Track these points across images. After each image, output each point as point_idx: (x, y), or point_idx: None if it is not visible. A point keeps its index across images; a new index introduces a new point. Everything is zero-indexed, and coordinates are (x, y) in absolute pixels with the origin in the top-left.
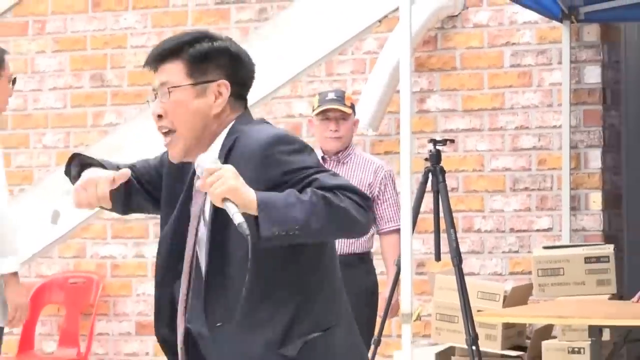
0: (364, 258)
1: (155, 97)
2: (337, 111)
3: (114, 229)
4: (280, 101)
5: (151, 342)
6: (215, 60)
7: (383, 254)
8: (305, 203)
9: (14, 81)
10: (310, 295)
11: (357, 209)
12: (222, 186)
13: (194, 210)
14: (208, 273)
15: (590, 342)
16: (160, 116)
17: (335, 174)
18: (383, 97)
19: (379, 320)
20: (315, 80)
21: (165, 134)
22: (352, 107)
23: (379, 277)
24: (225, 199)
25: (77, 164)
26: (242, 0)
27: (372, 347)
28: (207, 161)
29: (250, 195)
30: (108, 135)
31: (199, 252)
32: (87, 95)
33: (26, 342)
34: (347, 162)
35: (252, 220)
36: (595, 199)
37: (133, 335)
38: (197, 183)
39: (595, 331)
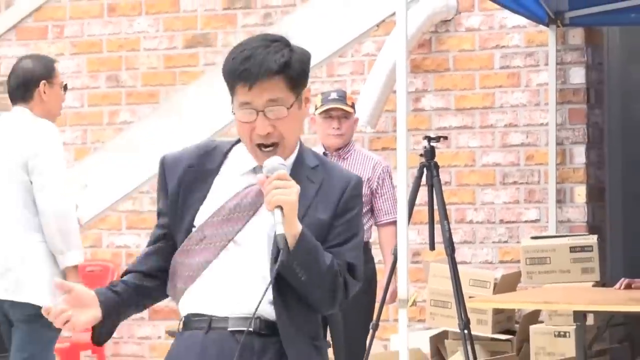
0: (363, 248)
1: (257, 113)
2: (339, 110)
3: (128, 220)
4: None
5: (162, 327)
6: (306, 72)
7: (380, 245)
8: (323, 271)
9: (65, 87)
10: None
11: (342, 295)
12: (287, 196)
13: (244, 202)
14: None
15: (575, 327)
16: (268, 133)
17: (359, 245)
18: (381, 97)
19: (377, 306)
20: (317, 80)
21: (268, 146)
22: (353, 106)
23: (377, 266)
24: (278, 207)
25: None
26: (248, 5)
27: (371, 331)
28: (277, 165)
29: (297, 221)
30: (123, 132)
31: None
32: (103, 95)
33: None
34: (348, 157)
35: (284, 243)
36: (580, 192)
37: (146, 320)
38: (259, 177)
39: (579, 316)
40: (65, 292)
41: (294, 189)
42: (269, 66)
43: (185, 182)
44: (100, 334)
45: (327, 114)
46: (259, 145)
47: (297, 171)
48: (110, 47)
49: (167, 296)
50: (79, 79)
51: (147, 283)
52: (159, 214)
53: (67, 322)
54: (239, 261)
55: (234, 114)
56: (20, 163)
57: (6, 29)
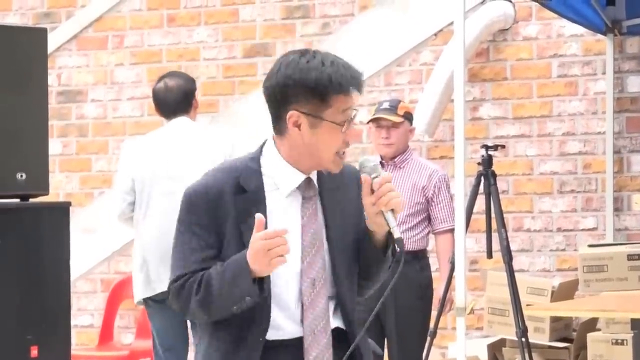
0: (419, 255)
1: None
2: (387, 120)
3: None
4: None
5: None
6: None
7: (437, 252)
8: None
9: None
10: None
11: None
12: (398, 199)
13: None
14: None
15: (632, 335)
16: None
17: None
18: (438, 106)
19: (433, 314)
20: (375, 90)
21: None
22: (406, 115)
23: (433, 274)
24: (392, 210)
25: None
26: (307, 15)
27: (429, 339)
28: (378, 165)
29: None
30: None
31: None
32: None
33: (106, 334)
34: (404, 166)
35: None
36: (637, 200)
37: None
38: (363, 176)
39: (637, 324)
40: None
41: (398, 192)
42: (361, 81)
43: (239, 210)
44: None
45: (377, 123)
46: (338, 153)
47: (321, 181)
48: (170, 57)
49: None
50: (139, 89)
51: None
52: (201, 248)
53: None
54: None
55: (326, 122)
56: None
57: (67, 39)
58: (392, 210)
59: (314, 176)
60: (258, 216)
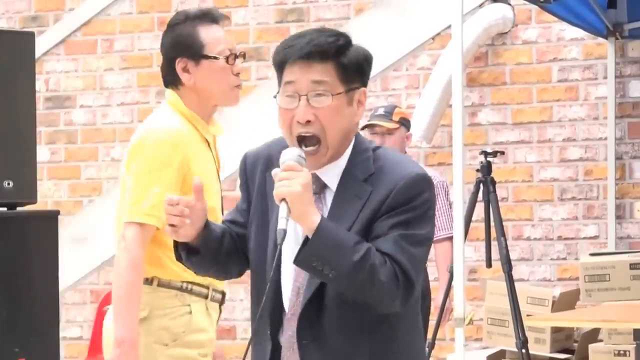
0: None
1: (300, 98)
2: (381, 126)
3: None
4: None
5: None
6: (363, 68)
7: (436, 261)
8: (356, 260)
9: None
10: (400, 329)
11: (393, 286)
12: (288, 187)
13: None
14: (304, 295)
15: (635, 345)
16: (309, 121)
17: (417, 242)
18: (436, 111)
19: (431, 324)
20: (371, 95)
21: (307, 139)
22: (402, 121)
23: (432, 284)
24: (283, 200)
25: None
26: (301, 19)
27: (427, 350)
28: (292, 157)
29: (309, 213)
30: None
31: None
32: (153, 110)
33: (96, 347)
34: None
35: (282, 238)
36: None
37: None
38: (274, 171)
39: None
40: (196, 198)
41: (299, 179)
42: (320, 44)
43: (268, 184)
44: (185, 255)
45: (372, 130)
46: (300, 141)
47: (345, 187)
48: (161, 61)
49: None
50: (129, 94)
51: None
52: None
53: (174, 225)
54: None
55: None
56: None
57: (55, 44)
58: (285, 200)
59: (327, 174)
60: (195, 179)
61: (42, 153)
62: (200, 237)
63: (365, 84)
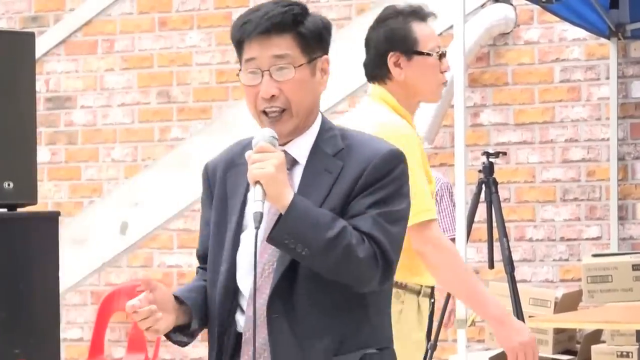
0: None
1: (263, 73)
2: None
3: (179, 239)
4: (339, 116)
5: None
6: (322, 36)
7: None
8: (330, 237)
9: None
10: (371, 310)
11: (372, 265)
12: (261, 169)
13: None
14: (277, 270)
15: (638, 346)
16: (273, 96)
17: (395, 219)
18: (438, 112)
19: (434, 325)
20: None
21: (274, 112)
22: None
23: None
24: (258, 182)
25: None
26: None
27: (429, 351)
28: (264, 137)
29: (285, 193)
30: (174, 149)
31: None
32: (154, 111)
33: (96, 348)
34: None
35: (259, 221)
36: None
37: (199, 341)
38: (247, 154)
39: None
40: (150, 290)
41: (272, 160)
42: (276, 17)
43: (229, 185)
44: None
45: None
46: (265, 112)
47: (315, 161)
48: (162, 62)
49: None
50: (130, 95)
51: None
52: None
53: (150, 326)
54: None
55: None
56: None
57: (55, 44)
58: (260, 183)
59: (295, 148)
60: (140, 277)
61: (43, 154)
62: (181, 314)
63: (326, 52)
